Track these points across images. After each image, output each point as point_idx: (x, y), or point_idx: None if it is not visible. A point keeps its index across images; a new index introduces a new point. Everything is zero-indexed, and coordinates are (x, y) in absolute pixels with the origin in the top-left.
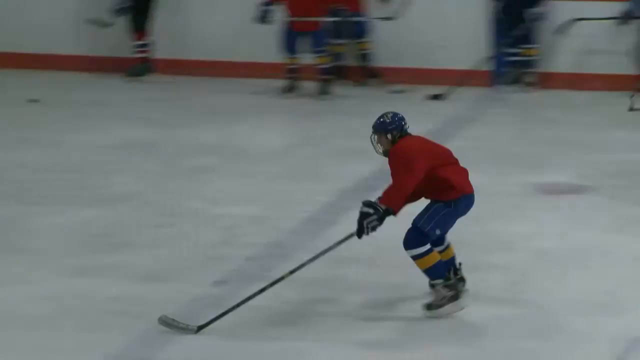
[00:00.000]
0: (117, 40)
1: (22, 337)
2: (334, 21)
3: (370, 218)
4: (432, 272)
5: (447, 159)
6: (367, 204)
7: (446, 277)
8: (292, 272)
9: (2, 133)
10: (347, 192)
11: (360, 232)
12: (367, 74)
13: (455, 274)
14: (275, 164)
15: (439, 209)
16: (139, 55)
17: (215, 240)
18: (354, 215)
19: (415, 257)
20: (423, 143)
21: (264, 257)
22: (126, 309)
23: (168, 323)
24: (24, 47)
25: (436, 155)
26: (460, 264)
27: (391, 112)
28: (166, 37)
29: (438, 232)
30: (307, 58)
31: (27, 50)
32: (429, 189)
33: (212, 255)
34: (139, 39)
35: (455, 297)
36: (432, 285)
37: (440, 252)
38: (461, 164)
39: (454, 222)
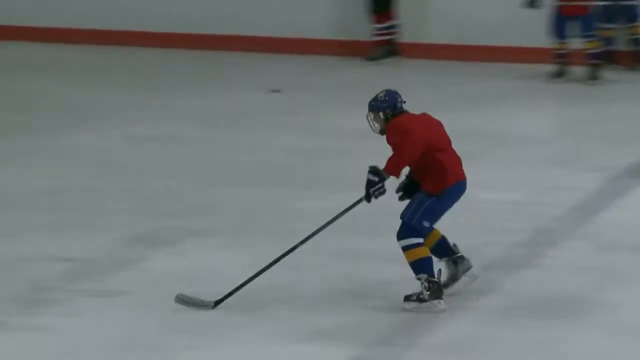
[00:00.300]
0: (359, 22)
1: None
2: (604, 5)
3: (377, 186)
4: (418, 266)
5: (444, 140)
6: (373, 171)
7: (432, 274)
8: (303, 242)
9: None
10: (617, 179)
11: (368, 198)
12: (638, 58)
13: (454, 253)
14: (540, 149)
15: (423, 201)
16: (381, 38)
17: (479, 225)
18: (624, 203)
19: (404, 248)
20: (419, 118)
21: (530, 244)
22: None
23: (185, 300)
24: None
25: (434, 133)
26: (455, 245)
27: (385, 90)
28: (411, 19)
29: (426, 224)
30: (576, 43)
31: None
32: (421, 169)
33: (477, 241)
34: (381, 22)
35: (437, 295)
36: (418, 279)
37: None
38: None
39: (444, 211)
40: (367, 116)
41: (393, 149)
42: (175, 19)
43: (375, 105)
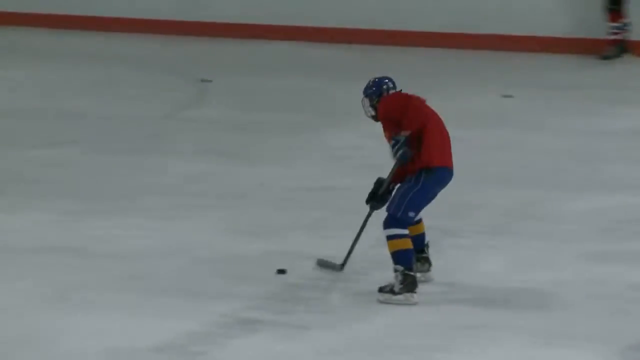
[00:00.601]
0: (593, 20)
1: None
2: None
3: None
4: (398, 257)
5: (436, 119)
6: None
7: (409, 267)
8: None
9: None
10: None
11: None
12: None
13: (422, 252)
14: None
15: (407, 191)
16: (615, 37)
17: None
18: None
19: (388, 238)
20: (409, 96)
21: None
22: None
23: (322, 264)
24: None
25: (426, 110)
26: (427, 243)
27: (377, 77)
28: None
29: (412, 214)
30: None
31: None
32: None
33: None
34: (615, 20)
35: (410, 288)
36: (395, 270)
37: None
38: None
39: (428, 198)
40: (361, 101)
41: (400, 123)
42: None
43: (364, 91)
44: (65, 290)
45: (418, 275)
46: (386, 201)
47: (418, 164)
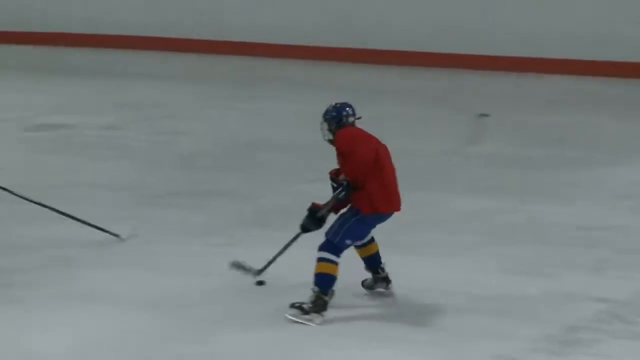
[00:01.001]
0: None
1: None
2: None
3: (338, 194)
4: (320, 279)
5: (388, 164)
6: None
7: (326, 292)
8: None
9: None
10: None
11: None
12: None
13: (378, 272)
14: None
15: (345, 221)
16: None
17: None
18: None
19: (319, 259)
20: (367, 134)
21: None
22: None
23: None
24: None
25: (381, 151)
26: (383, 265)
27: (339, 103)
28: None
29: (349, 242)
30: None
31: None
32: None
33: None
34: None
35: (318, 310)
36: (312, 290)
37: (359, 247)
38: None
39: (367, 231)
40: (320, 125)
41: (349, 156)
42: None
43: (323, 115)
44: None
45: (381, 289)
46: (320, 227)
47: (363, 205)
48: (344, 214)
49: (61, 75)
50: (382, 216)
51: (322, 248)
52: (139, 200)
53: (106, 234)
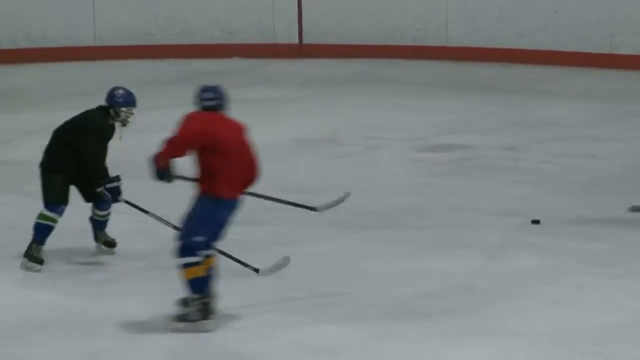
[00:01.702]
0: None
1: None
2: None
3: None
4: (191, 285)
5: (236, 148)
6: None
7: (205, 294)
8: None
9: None
10: None
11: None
12: None
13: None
14: None
15: (195, 215)
16: None
17: None
18: None
19: (180, 267)
20: (215, 118)
21: None
22: None
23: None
24: None
25: (227, 135)
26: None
27: (209, 85)
28: None
29: (199, 238)
30: None
31: None
32: (202, 168)
33: None
34: None
35: (205, 315)
36: (185, 299)
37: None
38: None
39: (215, 224)
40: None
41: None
42: None
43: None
44: None
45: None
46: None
47: (206, 189)
48: (188, 212)
49: (455, 91)
50: (230, 208)
51: (177, 254)
52: (537, 229)
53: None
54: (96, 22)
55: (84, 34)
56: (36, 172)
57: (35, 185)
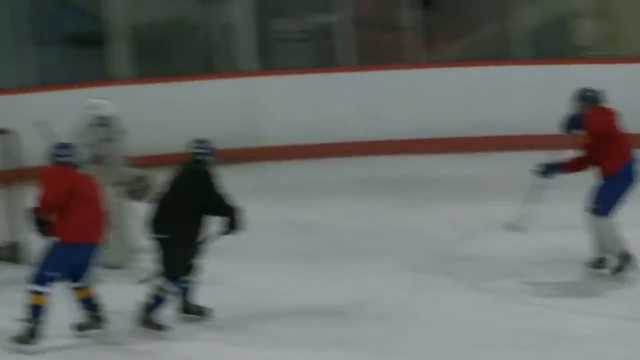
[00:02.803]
0: None
1: None
2: None
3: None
4: (30, 310)
5: (88, 194)
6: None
7: (35, 321)
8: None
9: None
10: None
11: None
12: None
13: (94, 311)
14: None
15: (48, 255)
16: None
17: None
18: None
19: (29, 292)
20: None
21: None
22: None
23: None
24: None
25: (78, 187)
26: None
27: None
28: None
29: (52, 274)
30: None
31: None
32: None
33: None
34: None
35: (27, 341)
36: (22, 320)
37: (76, 288)
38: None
39: (65, 263)
40: None
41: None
42: None
43: None
44: None
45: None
46: None
47: (59, 235)
48: (47, 249)
49: None
50: (79, 250)
51: (30, 280)
52: None
53: None
54: None
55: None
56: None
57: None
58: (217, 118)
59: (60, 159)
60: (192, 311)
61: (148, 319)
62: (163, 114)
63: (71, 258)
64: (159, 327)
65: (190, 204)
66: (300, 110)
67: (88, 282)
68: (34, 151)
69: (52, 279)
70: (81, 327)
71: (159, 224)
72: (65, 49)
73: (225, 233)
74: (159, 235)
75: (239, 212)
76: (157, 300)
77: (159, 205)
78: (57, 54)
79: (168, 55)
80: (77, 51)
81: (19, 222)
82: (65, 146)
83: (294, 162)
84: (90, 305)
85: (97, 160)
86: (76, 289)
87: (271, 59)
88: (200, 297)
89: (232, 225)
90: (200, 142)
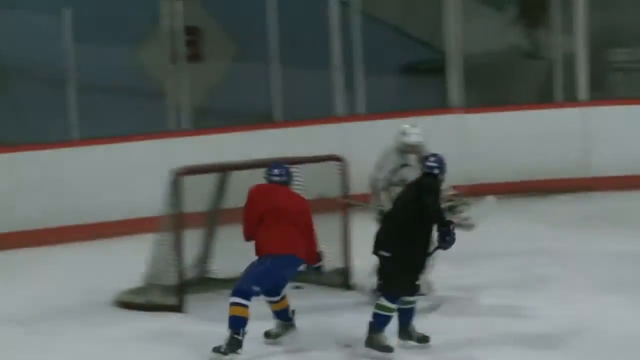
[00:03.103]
0: None
1: None
2: None
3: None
4: (231, 321)
5: (275, 214)
6: None
7: (238, 332)
8: None
9: None
10: None
11: None
12: None
13: (287, 319)
14: None
15: (252, 268)
16: None
17: None
18: None
19: (230, 304)
20: (259, 192)
21: None
22: None
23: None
24: None
25: (268, 205)
26: (293, 311)
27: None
28: None
29: (256, 288)
30: None
31: None
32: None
33: None
34: None
35: (233, 349)
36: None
37: (273, 302)
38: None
39: (271, 278)
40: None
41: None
42: None
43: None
44: None
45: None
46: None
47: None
48: (251, 263)
49: None
50: (277, 261)
51: (232, 293)
52: None
53: None
54: None
55: None
56: None
57: None
58: (549, 148)
59: (270, 178)
60: (412, 337)
61: (370, 338)
62: (494, 143)
63: (272, 273)
64: (384, 348)
65: (411, 214)
66: (631, 140)
67: (284, 294)
68: (362, 177)
69: (255, 293)
70: (273, 335)
71: (383, 240)
72: (400, 77)
73: (438, 248)
74: (383, 253)
75: (451, 226)
76: (380, 320)
77: (385, 221)
78: (392, 82)
79: (501, 84)
80: (413, 80)
81: (350, 247)
82: (278, 166)
83: (623, 193)
84: (283, 315)
85: (391, 185)
86: (271, 302)
87: (604, 89)
88: (516, 325)
89: (444, 239)
90: (434, 156)
